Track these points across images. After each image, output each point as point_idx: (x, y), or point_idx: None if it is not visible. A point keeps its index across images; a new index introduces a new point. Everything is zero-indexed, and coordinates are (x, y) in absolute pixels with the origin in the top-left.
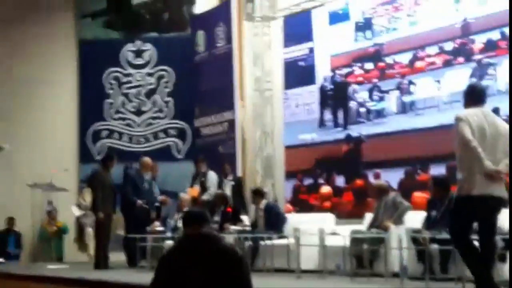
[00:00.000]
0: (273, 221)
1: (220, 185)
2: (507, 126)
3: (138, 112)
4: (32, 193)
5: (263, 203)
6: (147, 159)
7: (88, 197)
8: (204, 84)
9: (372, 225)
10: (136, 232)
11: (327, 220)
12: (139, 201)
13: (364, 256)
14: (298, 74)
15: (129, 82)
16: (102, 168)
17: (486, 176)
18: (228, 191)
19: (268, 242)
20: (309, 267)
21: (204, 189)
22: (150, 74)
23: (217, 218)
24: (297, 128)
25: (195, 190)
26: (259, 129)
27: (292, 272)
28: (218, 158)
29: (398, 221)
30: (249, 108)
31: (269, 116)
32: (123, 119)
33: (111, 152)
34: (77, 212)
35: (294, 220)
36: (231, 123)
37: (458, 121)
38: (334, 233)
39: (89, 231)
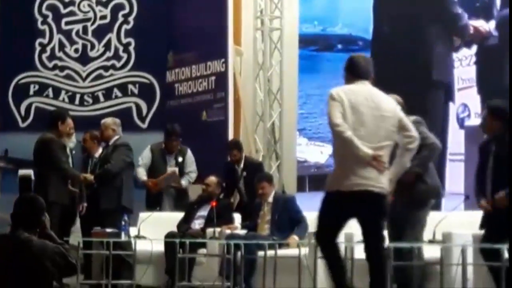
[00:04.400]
0: (284, 222)
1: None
2: (393, 106)
3: (84, 59)
4: None
5: (270, 194)
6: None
7: None
8: (181, 19)
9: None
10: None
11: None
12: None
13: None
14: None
15: (72, 13)
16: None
17: (364, 165)
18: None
19: (271, 252)
20: None
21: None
22: (102, 3)
23: (203, 212)
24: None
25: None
26: (262, 87)
27: None
28: (200, 129)
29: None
30: (248, 55)
31: (278, 68)
32: (62, 68)
33: (62, 109)
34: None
35: (310, 220)
36: (221, 77)
37: (329, 100)
38: None
39: None
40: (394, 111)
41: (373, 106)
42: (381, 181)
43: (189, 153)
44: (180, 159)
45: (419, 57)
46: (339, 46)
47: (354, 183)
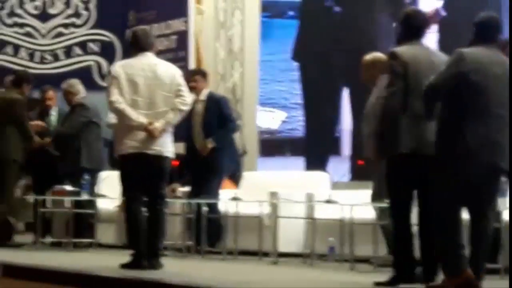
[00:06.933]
0: (213, 122)
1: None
2: (171, 73)
3: (44, 16)
4: None
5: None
6: None
7: None
8: None
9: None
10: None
11: (320, 181)
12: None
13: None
14: None
15: None
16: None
17: (139, 131)
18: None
19: (232, 211)
20: (291, 250)
21: None
22: None
23: None
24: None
25: None
26: (223, 46)
27: (266, 255)
28: None
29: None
30: (209, 14)
31: (239, 28)
32: (21, 25)
33: (25, 71)
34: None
35: (270, 180)
36: (182, 36)
37: (109, 78)
38: (329, 201)
39: None
40: (173, 78)
41: (150, 75)
42: (158, 144)
43: None
44: None
45: (365, 29)
46: (290, 13)
47: (130, 146)
